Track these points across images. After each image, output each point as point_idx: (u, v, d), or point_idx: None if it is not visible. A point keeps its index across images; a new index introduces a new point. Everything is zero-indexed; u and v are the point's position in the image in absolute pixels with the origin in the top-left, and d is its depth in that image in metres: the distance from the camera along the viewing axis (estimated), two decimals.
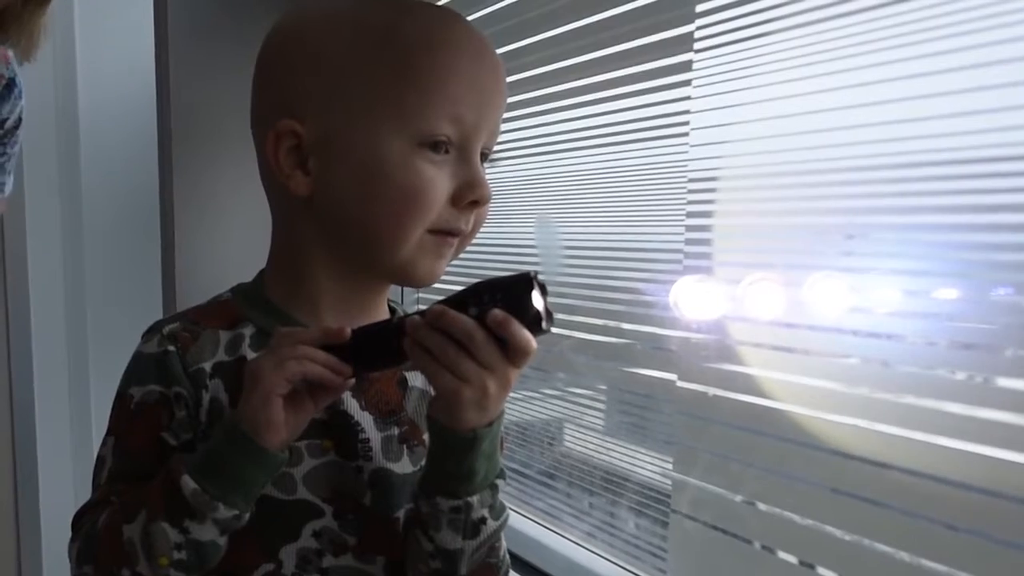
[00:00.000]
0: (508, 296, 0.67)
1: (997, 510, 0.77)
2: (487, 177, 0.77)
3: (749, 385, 0.99)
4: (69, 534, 0.77)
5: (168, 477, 0.70)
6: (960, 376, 0.79)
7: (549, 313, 0.68)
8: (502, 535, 0.79)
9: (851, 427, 0.88)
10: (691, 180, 1.05)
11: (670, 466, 1.12)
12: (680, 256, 1.07)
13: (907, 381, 0.83)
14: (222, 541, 0.71)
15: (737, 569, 1.04)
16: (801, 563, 0.95)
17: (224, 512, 0.69)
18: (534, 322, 0.67)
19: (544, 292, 0.68)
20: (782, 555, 0.98)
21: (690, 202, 1.06)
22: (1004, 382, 0.76)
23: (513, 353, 0.67)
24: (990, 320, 0.78)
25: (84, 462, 1.99)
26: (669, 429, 1.12)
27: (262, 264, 0.85)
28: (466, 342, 0.66)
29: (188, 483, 0.68)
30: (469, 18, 0.79)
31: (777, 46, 0.95)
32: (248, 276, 0.86)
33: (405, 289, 1.64)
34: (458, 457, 0.71)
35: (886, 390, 0.85)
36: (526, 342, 0.67)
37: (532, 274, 0.67)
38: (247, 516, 0.71)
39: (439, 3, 1.10)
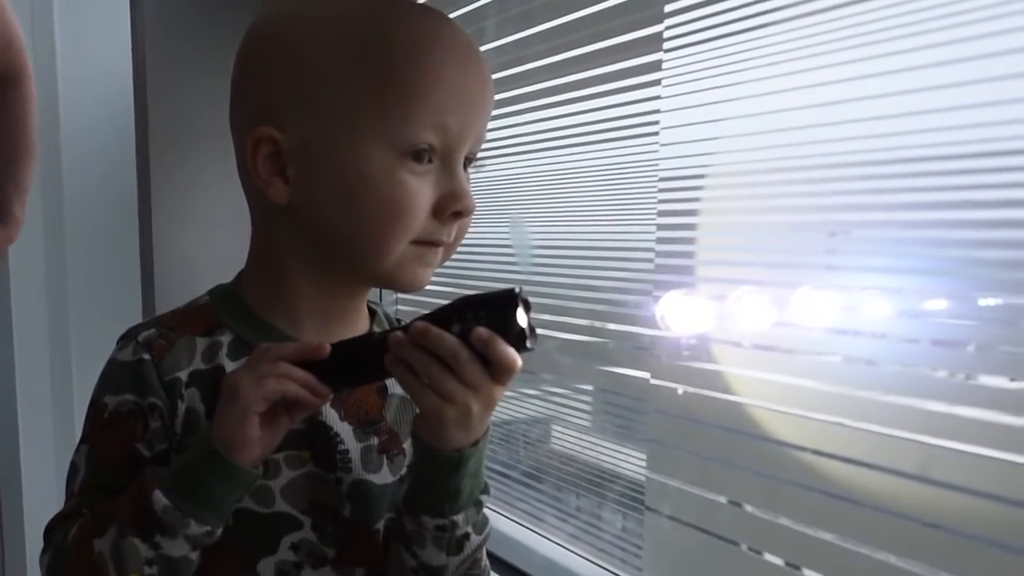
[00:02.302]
0: (492, 313, 0.65)
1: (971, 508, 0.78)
2: (471, 182, 0.76)
3: (721, 383, 0.99)
4: None
5: (139, 492, 0.68)
6: (941, 374, 0.80)
7: (533, 330, 0.67)
8: (484, 546, 0.79)
9: (828, 425, 0.88)
10: (662, 179, 1.06)
11: (644, 464, 1.13)
12: (651, 255, 1.08)
13: (889, 380, 0.84)
14: (194, 556, 0.70)
15: (714, 568, 1.05)
16: (788, 564, 0.95)
17: (196, 528, 0.68)
18: (518, 340, 0.66)
19: (528, 308, 0.66)
20: (750, 550, 0.99)
21: (661, 201, 1.06)
22: (986, 380, 0.76)
23: (497, 371, 0.66)
24: (973, 316, 0.78)
25: (67, 466, 1.98)
26: (644, 427, 1.13)
27: (242, 264, 0.83)
28: (450, 361, 0.65)
29: (160, 499, 0.67)
30: None
31: (746, 45, 0.95)
32: (228, 277, 0.84)
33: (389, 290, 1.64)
34: (443, 477, 0.70)
35: (867, 388, 0.86)
36: (511, 360, 0.65)
37: (516, 290, 0.66)
38: (219, 531, 0.70)
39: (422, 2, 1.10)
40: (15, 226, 1.57)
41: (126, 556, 0.68)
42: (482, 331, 0.65)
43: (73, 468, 0.77)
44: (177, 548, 0.68)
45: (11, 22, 1.45)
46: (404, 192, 0.71)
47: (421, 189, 0.71)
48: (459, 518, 0.72)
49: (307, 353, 0.69)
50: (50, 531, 0.75)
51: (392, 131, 0.70)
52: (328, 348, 0.69)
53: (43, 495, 1.99)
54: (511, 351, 0.65)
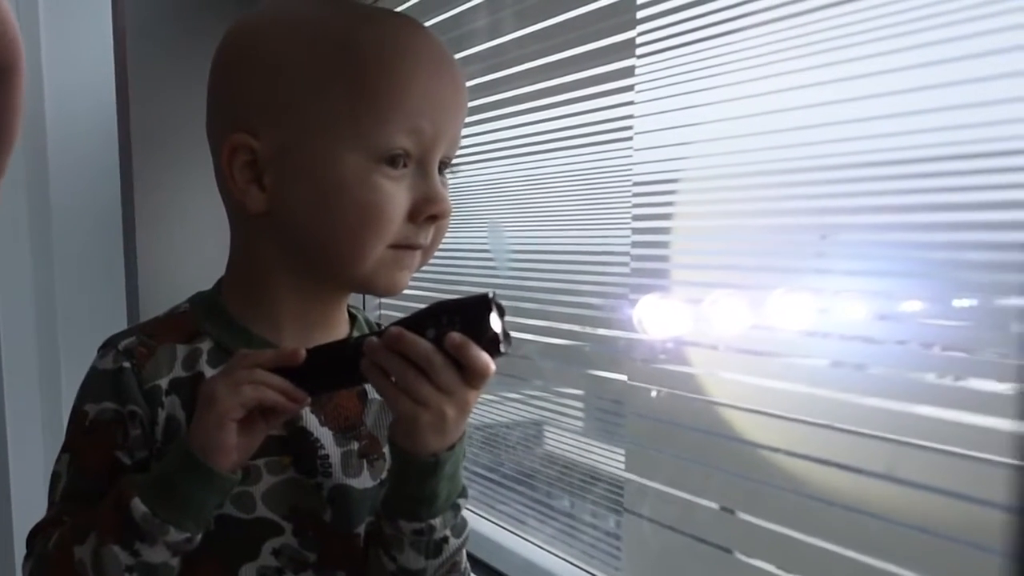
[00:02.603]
0: (466, 318, 0.66)
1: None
2: (449, 186, 0.77)
3: (697, 385, 1.00)
4: None
5: (118, 500, 0.69)
6: (920, 375, 0.81)
7: (507, 335, 0.68)
8: (463, 550, 0.79)
9: (805, 426, 0.89)
10: (636, 184, 1.07)
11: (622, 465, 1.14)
12: (627, 259, 1.09)
13: (865, 382, 0.85)
14: (174, 562, 0.70)
15: (693, 569, 1.06)
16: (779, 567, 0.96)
17: (175, 535, 0.68)
18: (492, 344, 0.66)
19: (502, 313, 0.67)
20: (738, 555, 1.00)
21: (635, 205, 1.07)
22: (976, 383, 0.77)
23: (471, 376, 0.67)
24: (959, 318, 0.78)
25: None
26: (622, 429, 1.14)
27: (224, 271, 0.84)
28: (424, 366, 0.66)
29: (138, 506, 0.67)
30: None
31: (718, 50, 0.96)
32: (212, 284, 0.84)
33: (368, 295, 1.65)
34: (420, 481, 0.71)
35: (843, 390, 0.86)
36: (484, 365, 0.66)
37: (490, 295, 0.67)
38: (199, 538, 0.70)
39: (397, 10, 1.10)
40: None
41: (106, 564, 0.68)
42: (455, 336, 0.66)
43: (55, 477, 0.77)
44: (157, 555, 0.68)
45: (5, 13, 1.44)
46: (379, 196, 0.71)
47: (396, 193, 0.72)
48: (436, 522, 0.73)
49: (283, 359, 0.70)
50: (32, 539, 0.75)
51: (366, 136, 0.71)
52: (304, 354, 0.70)
53: (31, 504, 1.98)
54: (484, 356, 0.66)
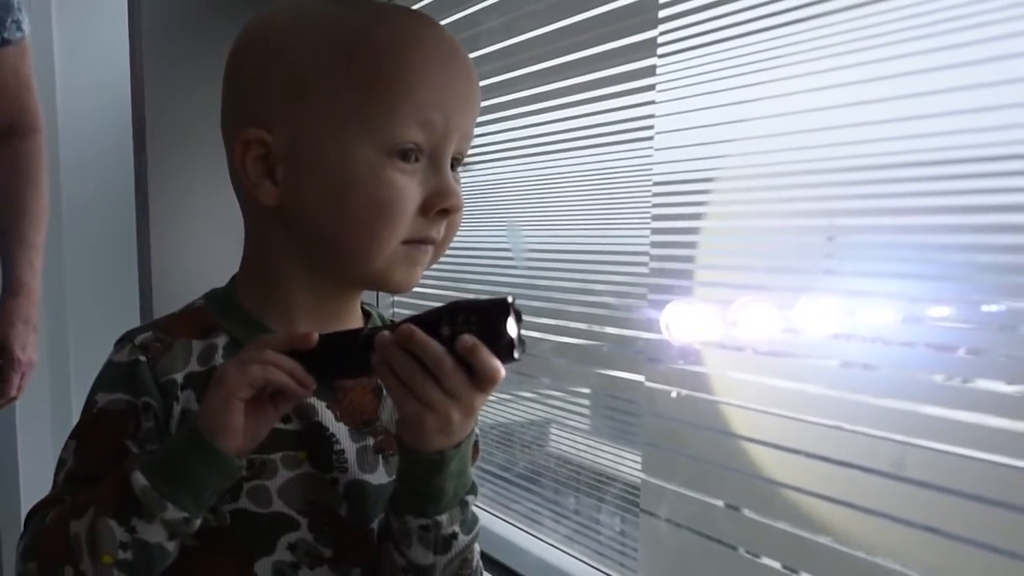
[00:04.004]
0: (483, 321, 0.65)
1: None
2: (461, 182, 0.77)
3: (715, 386, 1.00)
4: None
5: (120, 473, 0.69)
6: (938, 377, 0.81)
7: (522, 341, 0.67)
8: (475, 545, 0.79)
9: (823, 428, 0.89)
10: (656, 184, 1.07)
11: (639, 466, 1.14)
12: (646, 259, 1.09)
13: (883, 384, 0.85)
14: (170, 546, 0.69)
15: (709, 570, 1.05)
16: (785, 567, 0.96)
17: (173, 513, 0.67)
18: (506, 350, 0.65)
19: (519, 319, 0.67)
20: (752, 556, 0.99)
21: (655, 205, 1.07)
22: (984, 384, 0.77)
23: (480, 380, 0.66)
24: (971, 321, 0.78)
25: None
26: (639, 430, 1.14)
27: (238, 268, 0.84)
28: (433, 368, 0.65)
29: (139, 479, 0.67)
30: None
31: (740, 50, 0.96)
32: (225, 281, 0.84)
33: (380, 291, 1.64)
34: (425, 478, 0.71)
35: (862, 392, 0.86)
36: (494, 371, 0.65)
37: (509, 300, 0.66)
38: (197, 522, 0.70)
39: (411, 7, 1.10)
40: (27, 296, 1.42)
41: (101, 537, 0.68)
42: (468, 339, 0.65)
43: (60, 462, 0.77)
44: (153, 534, 0.68)
45: (23, 72, 1.41)
46: (392, 191, 0.71)
47: (408, 187, 0.72)
48: (443, 518, 0.73)
49: (295, 342, 0.69)
50: (30, 518, 0.75)
51: (378, 130, 0.71)
52: (316, 338, 0.69)
53: (40, 497, 1.99)
54: (495, 361, 0.65)
